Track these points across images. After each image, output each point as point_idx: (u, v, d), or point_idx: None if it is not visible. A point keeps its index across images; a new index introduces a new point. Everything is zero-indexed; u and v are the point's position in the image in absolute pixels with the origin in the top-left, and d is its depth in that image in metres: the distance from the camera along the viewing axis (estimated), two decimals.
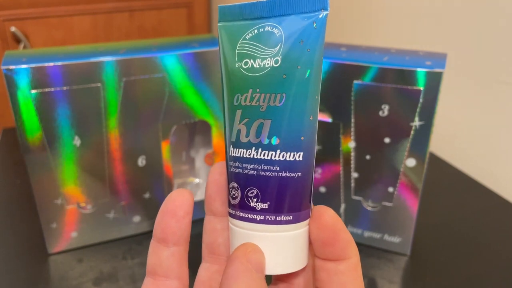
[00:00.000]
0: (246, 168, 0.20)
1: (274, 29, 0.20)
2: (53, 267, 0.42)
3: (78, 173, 0.41)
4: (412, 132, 0.38)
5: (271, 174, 0.20)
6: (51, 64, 0.37)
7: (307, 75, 0.19)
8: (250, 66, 0.20)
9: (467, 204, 0.51)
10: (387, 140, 0.39)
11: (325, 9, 0.19)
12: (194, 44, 0.43)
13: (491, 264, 0.42)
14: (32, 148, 0.39)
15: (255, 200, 0.20)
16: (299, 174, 0.20)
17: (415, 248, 0.43)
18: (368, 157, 0.41)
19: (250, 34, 0.20)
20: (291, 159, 0.20)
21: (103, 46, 0.41)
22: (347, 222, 0.44)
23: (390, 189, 0.41)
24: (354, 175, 0.42)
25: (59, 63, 0.37)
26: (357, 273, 0.20)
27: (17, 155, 0.60)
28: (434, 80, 0.36)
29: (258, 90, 0.20)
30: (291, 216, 0.20)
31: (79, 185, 0.42)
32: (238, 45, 0.20)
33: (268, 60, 0.20)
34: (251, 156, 0.20)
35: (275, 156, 0.20)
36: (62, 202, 0.42)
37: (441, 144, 0.62)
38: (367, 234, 0.44)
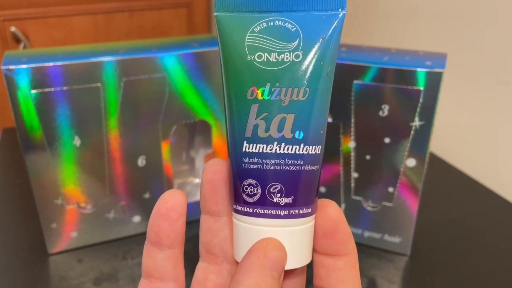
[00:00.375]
0: (267, 164, 0.20)
1: (287, 24, 0.20)
2: (53, 267, 0.42)
3: (78, 173, 0.41)
4: (412, 132, 0.38)
5: (295, 168, 0.20)
6: (51, 64, 0.37)
7: (328, 71, 0.20)
8: (265, 60, 0.20)
9: (467, 204, 0.51)
10: (387, 140, 0.39)
11: (343, 8, 0.20)
12: (194, 44, 0.43)
13: (491, 264, 0.42)
14: (32, 148, 0.39)
15: (278, 195, 0.20)
16: (317, 167, 0.20)
17: (415, 248, 0.43)
18: (368, 157, 0.41)
19: (258, 27, 0.20)
20: (313, 152, 0.20)
21: (103, 46, 0.41)
22: (347, 222, 0.44)
23: (390, 189, 0.41)
24: (354, 175, 0.42)
25: (59, 63, 0.37)
26: (355, 270, 0.21)
27: (17, 155, 0.59)
28: (434, 80, 0.36)
29: (277, 84, 0.20)
30: (310, 209, 0.20)
31: (79, 185, 0.42)
32: (247, 37, 0.20)
33: (287, 54, 0.20)
34: (273, 151, 0.20)
35: (299, 150, 0.20)
36: (62, 202, 0.42)
37: (441, 144, 0.62)
38: (367, 234, 0.44)
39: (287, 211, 0.20)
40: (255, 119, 0.20)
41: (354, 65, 0.38)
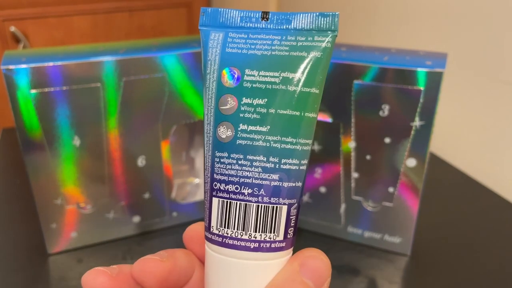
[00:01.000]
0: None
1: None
2: (53, 267, 0.42)
3: (78, 173, 0.41)
4: (412, 132, 0.38)
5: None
6: (51, 64, 0.37)
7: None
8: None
9: (467, 204, 0.51)
10: (387, 140, 0.39)
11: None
12: (194, 44, 0.43)
13: (491, 264, 0.42)
14: (32, 148, 0.39)
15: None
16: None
17: (416, 248, 0.43)
18: (368, 157, 0.41)
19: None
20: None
21: (103, 46, 0.41)
22: (347, 222, 0.44)
23: (391, 189, 0.41)
24: (354, 175, 0.42)
25: (59, 63, 0.37)
26: None
27: (17, 155, 0.59)
28: (435, 80, 0.36)
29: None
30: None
31: (79, 185, 0.42)
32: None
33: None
34: None
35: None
36: (62, 202, 0.42)
37: (441, 144, 0.62)
38: (367, 234, 0.44)
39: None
40: None
41: (354, 65, 0.38)
